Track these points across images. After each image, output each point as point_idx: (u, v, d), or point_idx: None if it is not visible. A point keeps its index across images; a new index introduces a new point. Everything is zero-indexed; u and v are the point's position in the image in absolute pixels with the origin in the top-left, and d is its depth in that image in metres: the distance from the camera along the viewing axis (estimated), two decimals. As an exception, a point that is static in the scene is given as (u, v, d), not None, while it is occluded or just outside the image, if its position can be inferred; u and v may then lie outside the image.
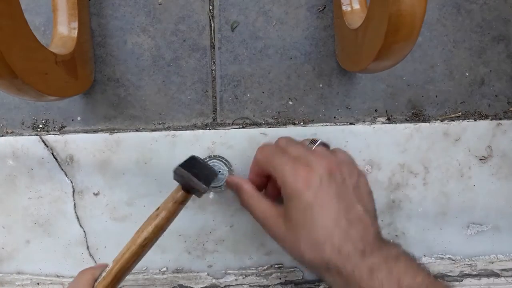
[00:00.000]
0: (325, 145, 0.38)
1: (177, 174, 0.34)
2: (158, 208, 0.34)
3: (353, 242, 0.31)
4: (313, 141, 0.38)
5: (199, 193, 0.34)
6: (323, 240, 0.31)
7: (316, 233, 0.32)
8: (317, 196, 0.32)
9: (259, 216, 0.36)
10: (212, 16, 0.46)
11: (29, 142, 0.44)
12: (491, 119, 0.46)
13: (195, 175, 0.33)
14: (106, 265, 0.33)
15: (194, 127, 0.46)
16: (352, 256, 0.31)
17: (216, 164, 0.43)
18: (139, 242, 0.32)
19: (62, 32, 0.40)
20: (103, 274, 0.32)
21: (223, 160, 0.44)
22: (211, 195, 0.44)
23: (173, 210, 0.33)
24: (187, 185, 0.34)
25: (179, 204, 0.34)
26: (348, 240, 0.31)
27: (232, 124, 0.46)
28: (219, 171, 0.43)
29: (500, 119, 0.46)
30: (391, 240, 0.34)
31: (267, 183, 0.39)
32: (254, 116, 0.46)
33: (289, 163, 0.34)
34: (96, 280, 0.32)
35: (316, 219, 0.32)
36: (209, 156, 0.44)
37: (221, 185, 0.43)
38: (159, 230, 0.33)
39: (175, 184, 0.35)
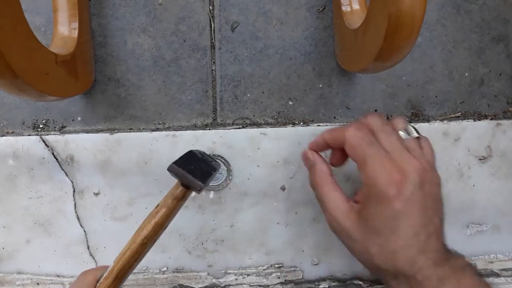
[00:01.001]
0: (418, 136, 0.36)
1: (171, 172, 0.33)
2: (158, 205, 0.33)
3: (428, 254, 0.31)
4: (406, 130, 0.36)
5: (198, 190, 0.33)
6: (399, 250, 0.31)
7: (394, 242, 0.31)
8: (406, 206, 0.31)
9: (328, 205, 0.35)
10: (212, 17, 0.46)
11: (29, 142, 0.44)
12: (491, 119, 0.46)
13: (190, 172, 0.33)
14: (107, 267, 0.32)
15: (194, 127, 0.46)
16: (424, 268, 0.31)
17: (218, 163, 0.43)
18: (140, 241, 0.32)
19: (63, 32, 0.41)
20: (105, 274, 0.32)
21: (222, 160, 0.44)
22: (211, 194, 0.45)
23: (173, 207, 0.33)
24: (184, 182, 0.33)
25: (179, 201, 0.33)
26: (423, 253, 0.31)
27: (232, 124, 0.46)
28: (219, 172, 0.43)
29: (500, 119, 0.47)
30: (454, 250, 0.34)
31: (333, 152, 0.38)
32: (254, 116, 0.46)
33: (383, 160, 0.32)
34: (98, 281, 0.32)
35: (398, 228, 0.31)
36: (209, 155, 0.44)
37: (220, 184, 0.43)
38: (159, 228, 0.32)
39: (175, 182, 0.35)
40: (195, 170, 0.33)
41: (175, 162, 0.33)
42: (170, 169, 0.33)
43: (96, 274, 0.32)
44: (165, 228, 0.33)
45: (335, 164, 0.39)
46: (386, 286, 0.34)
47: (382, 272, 0.33)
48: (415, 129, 0.36)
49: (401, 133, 0.36)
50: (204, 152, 0.39)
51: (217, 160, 0.38)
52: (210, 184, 0.43)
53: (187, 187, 0.33)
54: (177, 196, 0.33)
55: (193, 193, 0.35)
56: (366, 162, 0.32)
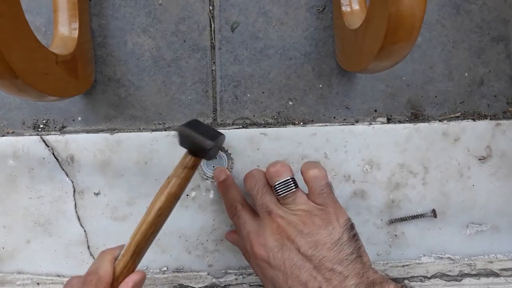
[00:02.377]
0: (289, 192, 0.36)
1: (181, 135, 0.32)
2: (169, 177, 0.32)
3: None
4: (278, 186, 0.36)
5: (207, 154, 0.32)
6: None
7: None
8: (277, 270, 0.33)
9: (240, 248, 0.41)
10: (212, 17, 0.46)
11: (29, 142, 0.44)
12: (490, 119, 0.46)
13: (200, 133, 0.32)
14: (124, 245, 0.32)
15: (194, 127, 0.46)
16: None
17: (218, 160, 0.44)
18: (154, 213, 0.31)
19: (63, 32, 0.41)
20: (122, 251, 0.31)
21: (223, 149, 0.44)
22: (211, 195, 0.45)
23: (184, 176, 0.32)
24: (193, 145, 0.32)
25: (190, 170, 0.32)
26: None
27: (232, 124, 0.46)
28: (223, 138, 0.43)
29: (499, 119, 0.47)
30: (379, 274, 0.32)
31: None
32: (254, 116, 0.46)
33: (250, 234, 0.36)
34: (116, 259, 0.31)
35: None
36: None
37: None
38: (173, 198, 0.32)
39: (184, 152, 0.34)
40: (203, 132, 0.32)
41: (183, 125, 0.33)
42: (179, 131, 0.32)
43: (114, 252, 0.32)
44: (178, 199, 0.32)
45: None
46: None
47: None
48: (284, 184, 0.35)
49: (275, 188, 0.36)
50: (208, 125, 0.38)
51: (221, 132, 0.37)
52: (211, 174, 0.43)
53: (196, 155, 0.33)
54: (187, 165, 0.32)
55: (202, 162, 0.35)
56: (244, 225, 0.37)
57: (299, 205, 0.35)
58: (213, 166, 0.43)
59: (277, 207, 0.35)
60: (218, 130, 0.38)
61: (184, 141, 0.33)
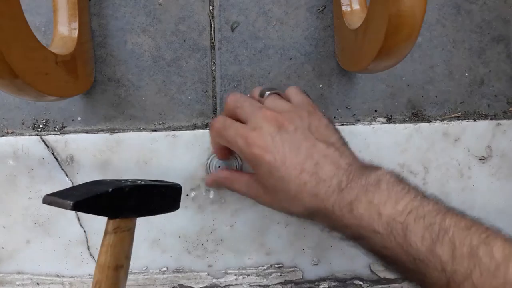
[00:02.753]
0: (276, 93, 0.37)
1: (47, 203, 0.28)
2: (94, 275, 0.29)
3: (326, 181, 0.31)
4: (262, 92, 0.37)
5: (67, 207, 0.27)
6: (298, 193, 0.31)
7: (290, 190, 0.32)
8: (275, 155, 0.32)
9: (243, 190, 0.37)
10: (212, 17, 0.46)
11: (29, 142, 0.44)
12: (491, 119, 0.46)
13: (61, 196, 0.27)
14: None
15: (194, 127, 0.46)
16: (330, 195, 0.30)
17: (230, 161, 0.43)
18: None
19: (63, 32, 0.41)
20: None
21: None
22: (211, 195, 0.45)
23: (113, 242, 0.30)
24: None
25: (110, 234, 0.29)
26: (319, 182, 0.31)
27: (232, 124, 0.46)
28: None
29: (500, 119, 0.47)
30: (371, 164, 0.33)
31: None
32: (254, 116, 0.46)
33: (238, 133, 0.34)
34: None
35: (283, 177, 0.32)
36: (212, 153, 0.43)
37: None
38: (108, 269, 0.29)
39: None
40: (73, 191, 0.28)
41: (50, 194, 0.28)
42: (43, 201, 0.28)
43: None
44: (128, 259, 0.31)
45: (223, 158, 0.42)
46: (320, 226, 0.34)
47: (303, 216, 0.33)
48: (271, 89, 0.37)
49: (260, 97, 0.37)
50: (134, 180, 0.33)
51: (139, 182, 0.32)
52: None
53: (108, 216, 0.29)
54: (107, 231, 0.29)
55: (209, 164, 0.36)
56: (230, 142, 0.35)
57: (285, 100, 0.36)
58: (219, 166, 0.43)
59: (266, 103, 0.36)
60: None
61: (53, 205, 0.28)
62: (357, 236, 0.30)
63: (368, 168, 0.32)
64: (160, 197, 0.34)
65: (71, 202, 0.26)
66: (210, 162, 0.43)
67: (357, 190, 0.30)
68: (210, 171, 0.43)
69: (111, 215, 0.30)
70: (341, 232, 0.32)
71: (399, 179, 0.31)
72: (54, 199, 0.27)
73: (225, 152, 0.40)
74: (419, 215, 0.28)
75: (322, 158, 0.31)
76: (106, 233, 0.30)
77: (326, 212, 0.31)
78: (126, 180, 0.32)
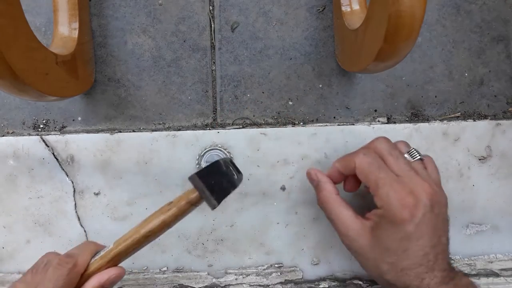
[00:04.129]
0: (421, 158, 0.37)
1: (192, 182, 0.32)
2: (171, 202, 0.33)
3: (435, 272, 0.33)
4: (410, 153, 0.37)
5: (212, 208, 0.32)
6: (409, 269, 0.33)
7: (405, 261, 0.33)
8: (417, 229, 0.33)
9: (339, 224, 0.37)
10: (212, 17, 0.46)
11: (30, 142, 0.44)
12: (490, 119, 0.46)
13: (209, 187, 0.32)
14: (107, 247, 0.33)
15: (194, 127, 0.46)
16: (431, 285, 0.33)
17: (213, 154, 0.43)
18: (144, 232, 0.32)
19: (63, 32, 0.41)
20: (102, 252, 0.32)
21: (222, 149, 0.44)
22: (211, 195, 0.45)
23: (184, 209, 0.32)
24: (201, 195, 0.32)
25: (192, 205, 0.33)
26: (431, 271, 0.33)
27: (232, 124, 0.46)
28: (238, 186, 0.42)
29: (499, 119, 0.47)
30: (459, 269, 0.37)
31: (346, 179, 0.40)
32: (254, 116, 0.46)
33: (393, 185, 0.34)
34: (95, 255, 0.32)
35: (409, 249, 0.33)
36: (205, 149, 0.43)
37: None
38: (166, 226, 0.32)
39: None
40: (215, 185, 0.32)
41: (198, 173, 0.32)
42: (191, 179, 0.32)
43: (98, 247, 0.33)
44: (170, 227, 0.33)
45: (350, 190, 0.40)
46: None
47: (391, 285, 0.35)
48: (417, 152, 0.37)
49: (406, 156, 0.37)
50: (231, 161, 0.36)
51: (240, 173, 0.36)
52: None
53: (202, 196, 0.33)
54: (191, 201, 0.32)
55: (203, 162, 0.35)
56: (378, 186, 0.34)
57: (428, 174, 0.37)
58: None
59: (415, 168, 0.36)
60: (239, 171, 0.36)
61: (194, 187, 0.32)
62: None
63: (459, 272, 0.36)
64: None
65: (217, 204, 0.32)
66: (203, 156, 0.43)
67: (452, 286, 0.33)
68: (199, 165, 0.44)
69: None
70: None
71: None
72: (203, 189, 0.31)
73: (342, 177, 0.39)
74: None
75: (441, 253, 0.34)
76: (188, 202, 0.32)
77: None
78: (231, 168, 0.36)
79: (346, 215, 0.37)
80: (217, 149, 0.44)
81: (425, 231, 0.33)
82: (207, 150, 0.44)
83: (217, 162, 0.34)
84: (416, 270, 0.33)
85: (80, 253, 0.32)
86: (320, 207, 0.39)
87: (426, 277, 0.33)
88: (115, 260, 0.32)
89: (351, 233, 0.36)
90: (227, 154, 0.44)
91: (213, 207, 0.32)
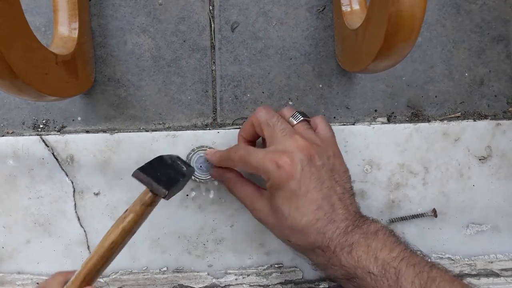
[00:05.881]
0: (306, 119, 0.39)
1: (136, 178, 0.33)
2: (126, 210, 0.33)
3: (336, 224, 0.33)
4: (293, 116, 0.39)
5: (163, 197, 0.33)
6: (308, 226, 0.33)
7: (301, 220, 0.34)
8: (300, 185, 0.34)
9: (247, 200, 0.38)
10: (212, 17, 0.46)
11: (29, 142, 0.44)
12: (491, 119, 0.46)
13: (155, 178, 0.32)
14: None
15: (194, 127, 0.46)
16: (335, 237, 0.33)
17: (202, 155, 0.43)
18: (107, 245, 0.31)
19: (63, 32, 0.41)
20: (72, 278, 0.31)
21: (208, 148, 0.44)
22: (211, 195, 0.45)
23: (141, 212, 0.33)
24: (148, 188, 0.33)
25: (147, 207, 0.33)
26: (331, 223, 0.33)
27: (232, 124, 0.46)
28: (207, 162, 0.43)
29: (500, 119, 0.47)
30: (370, 217, 0.36)
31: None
32: (254, 116, 0.46)
33: (267, 157, 0.35)
34: (66, 283, 0.32)
35: (300, 207, 0.34)
36: (193, 150, 0.43)
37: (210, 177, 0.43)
38: (127, 233, 0.32)
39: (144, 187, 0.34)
40: (161, 176, 0.33)
41: (140, 168, 0.33)
42: (134, 175, 0.32)
43: (67, 276, 0.32)
44: (133, 234, 0.33)
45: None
46: (308, 260, 0.37)
47: (300, 248, 0.36)
48: (301, 113, 0.39)
49: (291, 119, 0.39)
50: (177, 157, 0.37)
51: (190, 166, 0.37)
52: (203, 177, 0.43)
53: (156, 194, 0.33)
54: (146, 202, 0.33)
55: (201, 174, 0.36)
56: (257, 167, 0.35)
57: (314, 132, 0.38)
58: (200, 166, 0.43)
59: (298, 130, 0.37)
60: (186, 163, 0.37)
61: (140, 182, 0.33)
62: (351, 276, 0.33)
63: (367, 219, 0.35)
64: (182, 185, 0.36)
65: (167, 192, 0.32)
66: (190, 158, 0.43)
67: (358, 235, 0.33)
68: (196, 174, 0.44)
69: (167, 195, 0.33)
70: (333, 272, 0.35)
71: (393, 233, 0.35)
72: (149, 180, 0.32)
73: (254, 135, 0.41)
74: (410, 263, 0.32)
75: (338, 201, 0.34)
76: (143, 204, 0.32)
77: (326, 250, 0.34)
78: (179, 162, 0.37)
79: (249, 191, 0.38)
80: (205, 149, 0.44)
81: (310, 185, 0.34)
82: (191, 155, 0.43)
83: (159, 156, 0.35)
84: (316, 226, 0.33)
85: (47, 285, 0.32)
86: (233, 194, 0.41)
87: (327, 231, 0.33)
88: (86, 280, 0.31)
89: (256, 205, 0.37)
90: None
91: (164, 195, 0.32)
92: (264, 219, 0.37)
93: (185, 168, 0.36)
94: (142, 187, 0.42)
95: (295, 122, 0.38)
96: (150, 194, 0.33)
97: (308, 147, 0.35)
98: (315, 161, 0.35)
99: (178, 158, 0.37)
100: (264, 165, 0.35)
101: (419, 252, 0.35)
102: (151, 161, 0.35)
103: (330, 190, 0.34)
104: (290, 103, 0.46)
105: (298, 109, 0.41)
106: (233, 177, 0.40)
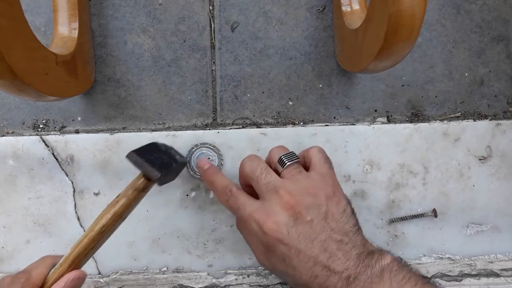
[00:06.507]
0: (294, 162, 0.36)
1: (130, 161, 0.32)
2: (118, 195, 0.33)
3: (338, 276, 0.31)
4: (280, 162, 0.36)
5: (159, 181, 0.33)
6: (309, 283, 0.32)
7: (301, 278, 0.32)
8: (289, 248, 0.32)
9: (235, 213, 0.37)
10: (212, 17, 0.46)
11: (29, 142, 0.44)
12: (491, 119, 0.46)
13: (148, 161, 0.32)
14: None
15: (194, 127, 0.46)
16: (339, 286, 0.31)
17: (204, 152, 0.43)
18: (98, 229, 0.32)
19: (63, 32, 0.41)
20: (61, 260, 0.32)
21: (211, 147, 0.44)
22: (211, 195, 0.45)
23: (133, 197, 0.33)
24: (142, 171, 0.33)
25: (140, 192, 0.33)
26: (332, 276, 0.31)
27: (232, 124, 0.46)
28: (209, 158, 0.42)
29: (500, 119, 0.47)
30: (375, 249, 0.33)
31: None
32: (254, 116, 0.46)
33: (253, 217, 0.34)
34: (54, 266, 0.32)
35: (296, 267, 0.32)
36: (196, 145, 0.43)
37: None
38: (118, 218, 0.32)
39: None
40: (155, 160, 0.33)
41: (135, 150, 0.33)
42: (128, 157, 0.32)
43: (55, 259, 0.32)
44: (124, 219, 0.33)
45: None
46: None
47: None
48: (288, 156, 0.36)
49: (278, 166, 0.36)
50: (170, 147, 0.37)
51: (183, 157, 0.37)
52: (197, 174, 0.43)
53: (149, 179, 0.33)
54: (138, 187, 0.33)
55: (160, 186, 0.35)
56: (242, 220, 0.35)
57: (304, 175, 0.35)
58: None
59: (283, 182, 0.35)
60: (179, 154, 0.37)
61: (134, 165, 0.33)
62: None
63: (375, 254, 0.32)
64: (175, 172, 0.36)
65: (159, 174, 0.31)
66: (193, 152, 0.43)
67: (363, 282, 0.31)
68: (191, 165, 0.44)
69: (148, 177, 0.33)
70: None
71: (402, 266, 0.32)
72: (142, 163, 0.32)
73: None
74: None
75: (336, 252, 0.32)
76: (135, 189, 0.32)
77: None
78: (172, 151, 0.37)
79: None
80: (207, 147, 0.44)
81: (300, 246, 0.32)
82: (193, 150, 0.43)
83: (153, 142, 0.35)
84: (316, 281, 0.32)
85: (34, 266, 0.32)
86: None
87: (329, 285, 0.31)
88: (75, 263, 0.31)
89: (242, 229, 0.37)
90: (216, 149, 0.44)
91: (156, 178, 0.32)
92: (258, 258, 0.36)
93: (178, 156, 0.36)
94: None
95: (281, 169, 0.36)
96: (143, 179, 0.33)
97: (293, 205, 0.33)
98: (302, 218, 0.33)
99: (172, 148, 0.37)
100: (250, 226, 0.34)
101: (432, 281, 0.32)
102: (145, 145, 0.35)
103: (325, 242, 0.32)
104: (290, 103, 0.46)
105: (288, 153, 0.38)
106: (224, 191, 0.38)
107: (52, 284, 0.31)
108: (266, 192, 0.35)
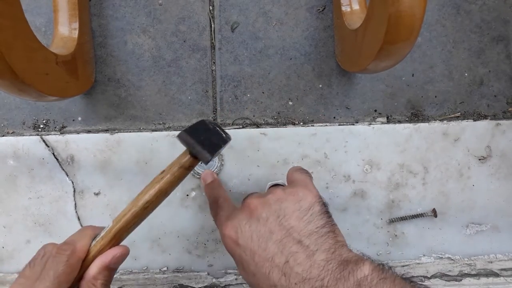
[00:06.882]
0: (277, 184, 0.36)
1: (181, 139, 0.32)
2: (163, 171, 0.32)
3: (298, 283, 0.27)
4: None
5: (206, 162, 0.32)
6: (273, 285, 0.28)
7: (263, 283, 0.29)
8: (245, 249, 0.30)
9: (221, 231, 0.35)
10: (212, 17, 0.46)
11: (30, 142, 0.44)
12: (490, 119, 0.46)
13: (200, 142, 0.31)
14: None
15: (194, 127, 0.46)
16: None
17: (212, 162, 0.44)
18: (141, 204, 0.31)
19: (63, 32, 0.41)
20: (102, 233, 0.31)
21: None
22: (211, 195, 0.45)
23: (178, 174, 0.32)
24: (192, 151, 0.32)
25: (185, 170, 0.32)
26: (290, 284, 0.27)
27: (232, 124, 0.46)
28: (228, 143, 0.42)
29: (499, 119, 0.47)
30: (355, 253, 0.28)
31: None
32: (254, 116, 0.46)
33: (218, 220, 0.34)
34: (95, 238, 0.31)
35: (255, 273, 0.29)
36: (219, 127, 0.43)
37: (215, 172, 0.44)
38: (162, 194, 0.32)
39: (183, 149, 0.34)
40: (205, 140, 0.32)
41: (186, 130, 0.32)
42: (180, 136, 0.32)
43: (96, 230, 0.32)
44: (167, 195, 0.32)
45: None
46: None
47: None
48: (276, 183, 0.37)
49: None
50: (216, 123, 0.37)
51: (228, 134, 0.35)
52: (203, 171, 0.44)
53: (195, 157, 0.32)
54: (184, 165, 0.32)
55: (200, 169, 0.35)
56: (216, 217, 0.35)
57: (277, 188, 0.33)
58: (201, 163, 0.43)
59: (257, 197, 0.33)
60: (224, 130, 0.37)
61: (183, 144, 0.33)
62: None
63: (349, 264, 0.27)
64: (220, 151, 0.36)
65: (210, 157, 0.31)
66: None
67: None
68: (196, 169, 0.43)
69: (195, 156, 0.32)
70: None
71: (384, 278, 0.26)
72: (194, 144, 0.31)
73: None
74: None
75: (294, 254, 0.28)
76: (181, 166, 0.32)
77: None
78: (218, 128, 0.36)
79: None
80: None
81: (253, 246, 0.29)
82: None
83: (202, 120, 0.34)
84: (280, 284, 0.28)
85: (77, 238, 0.31)
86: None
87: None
88: (117, 238, 0.31)
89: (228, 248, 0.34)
90: (220, 156, 0.44)
91: (207, 161, 0.31)
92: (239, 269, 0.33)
93: (224, 135, 0.35)
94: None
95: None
96: (189, 156, 0.32)
97: (251, 201, 0.32)
98: (257, 215, 0.30)
99: (217, 124, 0.36)
100: (220, 235, 0.33)
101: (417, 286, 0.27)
102: (194, 124, 0.34)
103: (281, 242, 0.29)
104: (290, 103, 0.46)
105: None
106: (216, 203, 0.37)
107: (95, 257, 0.30)
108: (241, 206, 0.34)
